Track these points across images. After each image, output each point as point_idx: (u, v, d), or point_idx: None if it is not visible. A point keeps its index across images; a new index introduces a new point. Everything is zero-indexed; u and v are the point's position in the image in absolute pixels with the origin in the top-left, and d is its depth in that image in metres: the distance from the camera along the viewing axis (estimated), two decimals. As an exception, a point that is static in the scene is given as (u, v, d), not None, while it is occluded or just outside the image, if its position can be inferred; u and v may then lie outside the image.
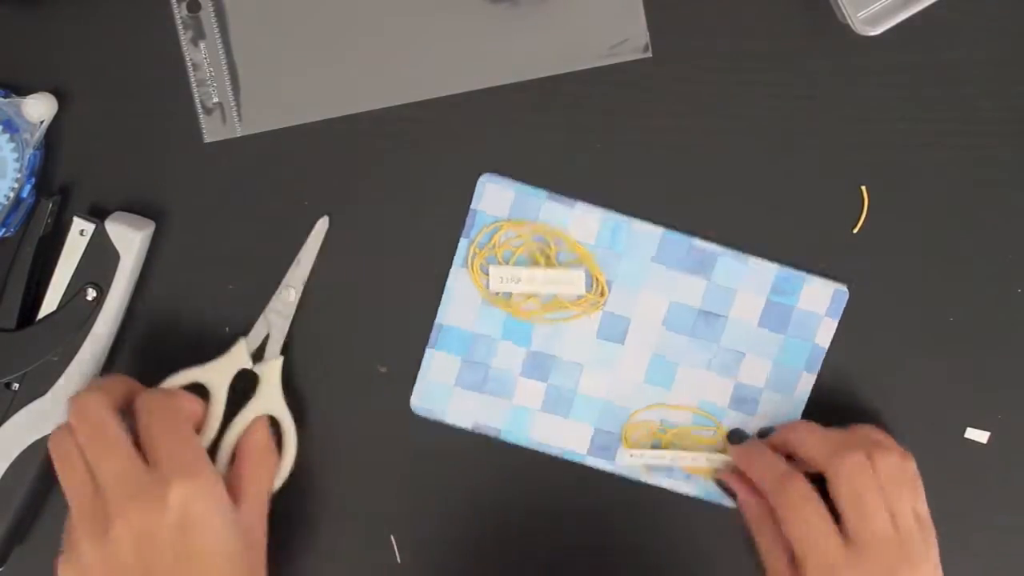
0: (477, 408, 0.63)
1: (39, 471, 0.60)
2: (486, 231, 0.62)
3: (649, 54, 0.62)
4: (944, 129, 0.63)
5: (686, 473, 0.64)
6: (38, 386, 0.60)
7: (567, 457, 0.64)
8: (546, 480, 0.64)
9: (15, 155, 0.56)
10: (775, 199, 0.63)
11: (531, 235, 0.62)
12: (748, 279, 0.63)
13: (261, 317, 0.62)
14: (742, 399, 0.63)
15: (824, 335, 0.63)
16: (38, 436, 0.60)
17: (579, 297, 0.62)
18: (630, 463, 0.63)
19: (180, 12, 0.60)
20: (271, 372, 0.61)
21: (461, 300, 0.62)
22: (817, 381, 0.64)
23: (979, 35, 0.62)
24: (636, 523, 0.64)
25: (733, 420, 0.64)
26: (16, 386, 0.60)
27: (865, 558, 0.57)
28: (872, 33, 0.58)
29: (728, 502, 0.64)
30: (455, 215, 0.62)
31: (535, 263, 0.62)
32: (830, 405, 0.64)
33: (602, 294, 0.62)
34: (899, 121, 0.62)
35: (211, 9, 0.60)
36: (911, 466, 0.60)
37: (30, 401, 0.60)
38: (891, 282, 0.64)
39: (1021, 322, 0.64)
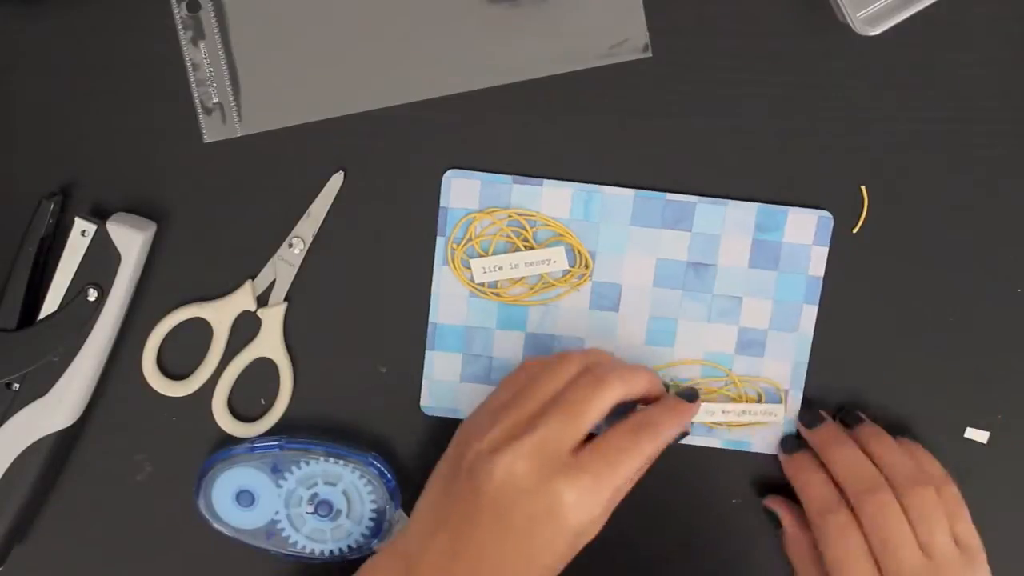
0: None
1: (39, 471, 0.60)
2: (460, 225, 0.62)
3: (649, 54, 0.62)
4: (944, 129, 0.63)
5: (707, 427, 0.64)
6: (38, 386, 0.60)
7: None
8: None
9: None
10: (775, 199, 0.63)
11: (505, 221, 0.62)
12: (730, 223, 0.63)
13: (269, 263, 0.62)
14: (748, 343, 0.63)
15: (817, 265, 0.63)
16: (38, 436, 0.60)
17: (565, 273, 0.62)
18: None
19: (180, 12, 0.61)
20: (274, 317, 0.62)
21: (449, 297, 0.63)
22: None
23: (979, 35, 0.62)
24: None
25: (742, 365, 0.64)
26: (16, 386, 0.60)
27: None
28: (872, 33, 0.58)
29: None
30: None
31: (514, 248, 0.62)
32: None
33: (587, 266, 0.63)
34: (899, 121, 0.62)
35: (211, 9, 0.61)
36: (949, 493, 0.60)
37: (30, 401, 0.60)
38: (891, 282, 0.64)
39: (1021, 322, 0.64)
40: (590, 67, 0.61)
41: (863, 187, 0.63)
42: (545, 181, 0.62)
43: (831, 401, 0.64)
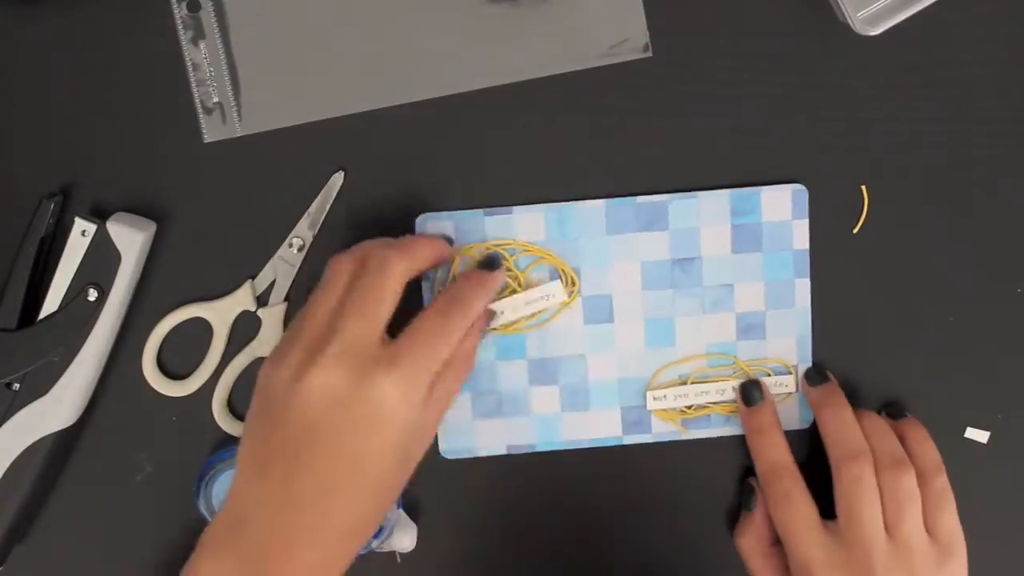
0: (504, 433, 0.63)
1: (39, 471, 0.60)
2: (443, 267, 0.62)
3: (649, 54, 0.62)
4: (944, 129, 0.63)
5: (724, 416, 0.64)
6: (38, 386, 0.60)
7: (606, 444, 0.64)
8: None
9: None
10: (775, 199, 0.63)
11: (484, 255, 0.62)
12: (705, 214, 0.62)
13: (269, 263, 0.62)
14: (748, 327, 0.63)
15: (800, 238, 0.63)
16: (38, 436, 0.60)
17: (563, 302, 0.62)
18: (654, 406, 0.63)
19: (180, 12, 0.61)
20: (274, 317, 0.62)
21: None
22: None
23: (979, 35, 0.62)
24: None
25: (746, 350, 0.63)
26: (16, 386, 0.60)
27: (849, 557, 0.58)
28: (872, 33, 0.58)
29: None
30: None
31: (505, 287, 0.62)
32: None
33: (573, 283, 0.63)
34: (899, 121, 0.62)
35: (211, 9, 0.61)
36: (937, 483, 0.60)
37: (30, 401, 0.60)
38: (891, 282, 0.64)
39: (1021, 322, 0.64)
40: (590, 67, 0.61)
41: (863, 187, 0.63)
42: (515, 208, 0.62)
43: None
